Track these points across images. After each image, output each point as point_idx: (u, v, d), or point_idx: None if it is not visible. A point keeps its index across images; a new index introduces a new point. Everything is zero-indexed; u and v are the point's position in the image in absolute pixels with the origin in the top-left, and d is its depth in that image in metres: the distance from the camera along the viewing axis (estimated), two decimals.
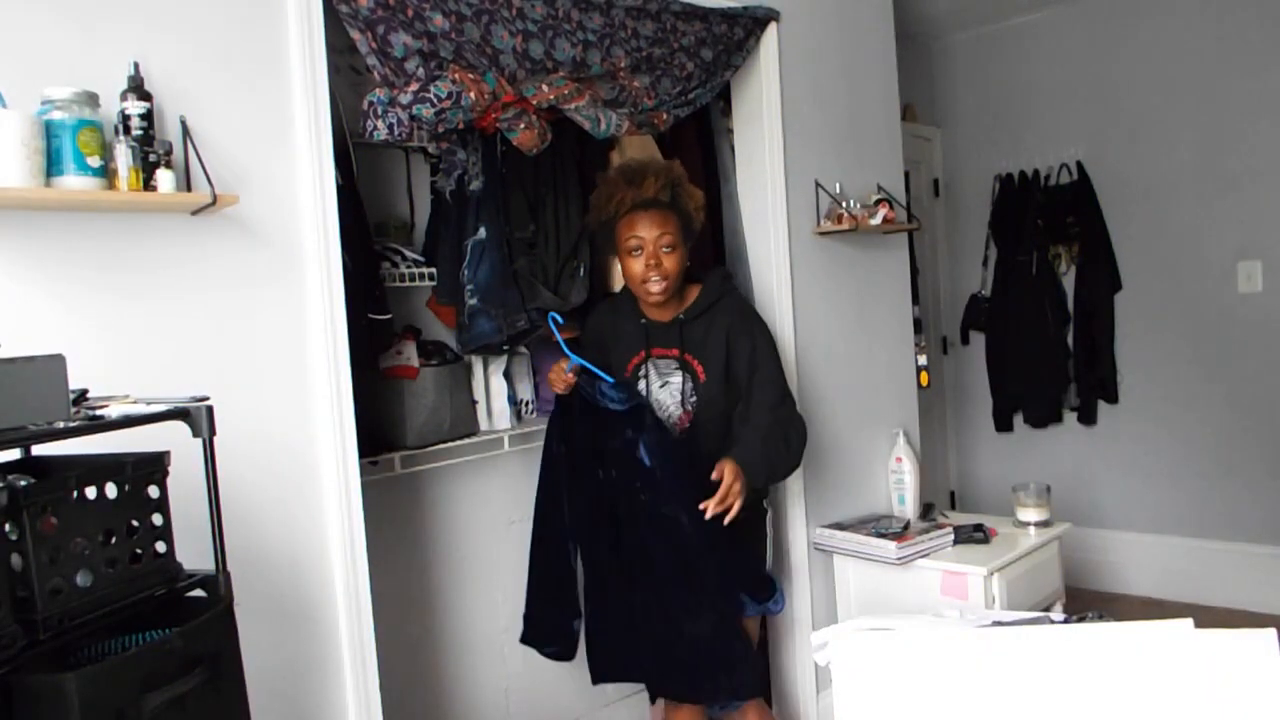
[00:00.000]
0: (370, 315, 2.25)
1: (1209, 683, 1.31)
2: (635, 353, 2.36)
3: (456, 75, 2.04)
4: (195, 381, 1.68)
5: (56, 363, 1.22)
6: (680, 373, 2.32)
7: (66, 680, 1.10)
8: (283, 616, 1.88)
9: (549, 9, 2.29)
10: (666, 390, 2.33)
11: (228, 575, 1.38)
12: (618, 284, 2.77)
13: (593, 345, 2.44)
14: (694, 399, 2.31)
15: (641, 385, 2.33)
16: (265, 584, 1.84)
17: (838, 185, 3.11)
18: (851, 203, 3.09)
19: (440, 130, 2.07)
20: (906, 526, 2.92)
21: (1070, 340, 4.35)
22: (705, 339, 2.32)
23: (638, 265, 2.24)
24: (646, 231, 2.22)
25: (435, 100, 2.00)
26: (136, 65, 1.65)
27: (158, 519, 1.32)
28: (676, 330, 2.32)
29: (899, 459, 3.22)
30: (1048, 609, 2.83)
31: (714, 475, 2.12)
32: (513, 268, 2.49)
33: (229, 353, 1.82)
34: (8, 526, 1.13)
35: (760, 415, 2.29)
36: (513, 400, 2.71)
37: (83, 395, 1.35)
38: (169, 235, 1.74)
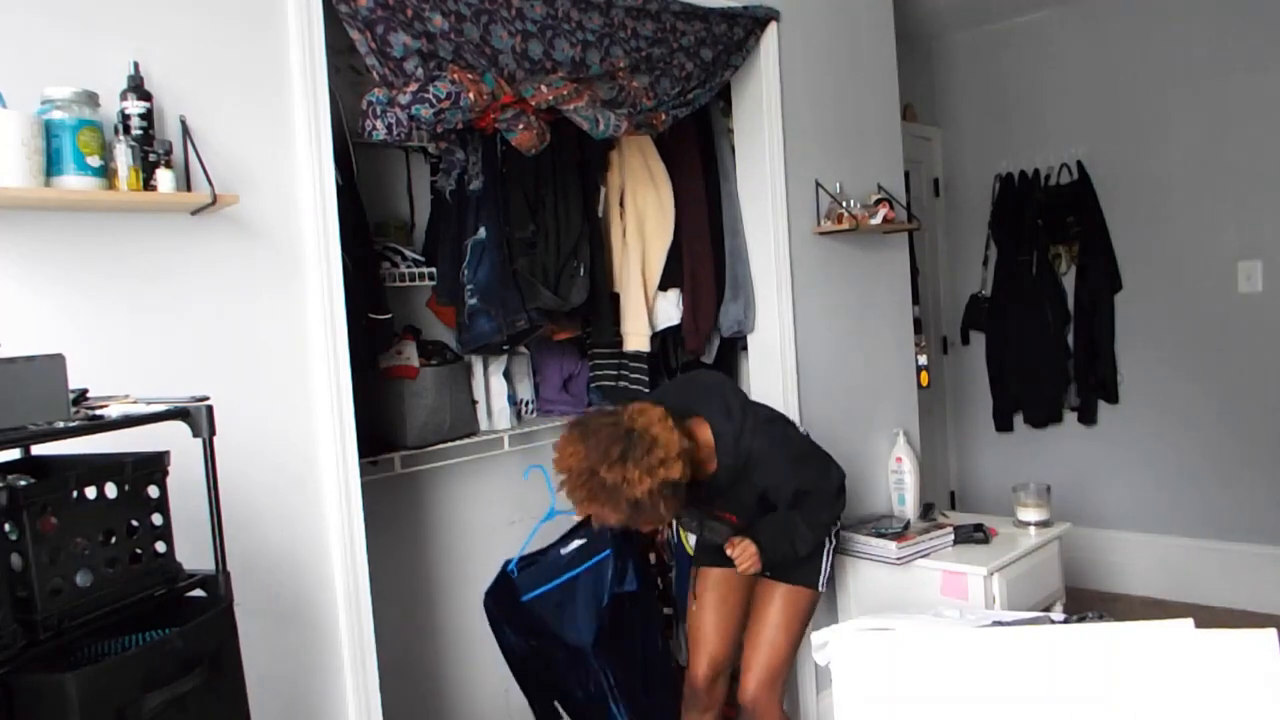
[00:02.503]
0: (370, 315, 2.24)
1: (1209, 683, 1.31)
2: None
3: (455, 75, 2.04)
4: (195, 381, 1.68)
5: (56, 362, 1.22)
6: (710, 520, 2.22)
7: (66, 680, 1.10)
8: (283, 616, 1.88)
9: (548, 9, 2.29)
10: (700, 530, 2.25)
11: (228, 575, 1.38)
12: (618, 285, 2.77)
13: None
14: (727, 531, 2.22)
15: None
16: (265, 584, 1.84)
17: (838, 185, 3.11)
18: (851, 203, 3.09)
19: (439, 130, 2.07)
20: (906, 526, 2.92)
21: (1070, 340, 4.35)
22: (734, 496, 2.21)
23: None
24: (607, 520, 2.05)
25: (434, 100, 2.00)
26: (136, 65, 1.65)
27: (157, 519, 1.32)
28: (703, 495, 2.18)
29: (899, 459, 3.22)
30: (1048, 609, 2.83)
31: (735, 541, 2.12)
32: (513, 268, 2.49)
33: (229, 353, 1.82)
34: (8, 526, 1.13)
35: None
36: (513, 400, 2.71)
37: (82, 395, 1.35)
38: (169, 235, 1.74)
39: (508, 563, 2.39)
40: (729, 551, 2.16)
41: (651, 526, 2.18)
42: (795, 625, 2.35)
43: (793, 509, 2.20)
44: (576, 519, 2.40)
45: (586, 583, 2.40)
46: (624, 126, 2.40)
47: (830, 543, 2.38)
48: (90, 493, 1.23)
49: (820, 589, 2.37)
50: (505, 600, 2.41)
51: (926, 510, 3.18)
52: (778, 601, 2.33)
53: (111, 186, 1.58)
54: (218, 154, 1.78)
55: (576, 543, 2.42)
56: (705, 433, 2.13)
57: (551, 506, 2.42)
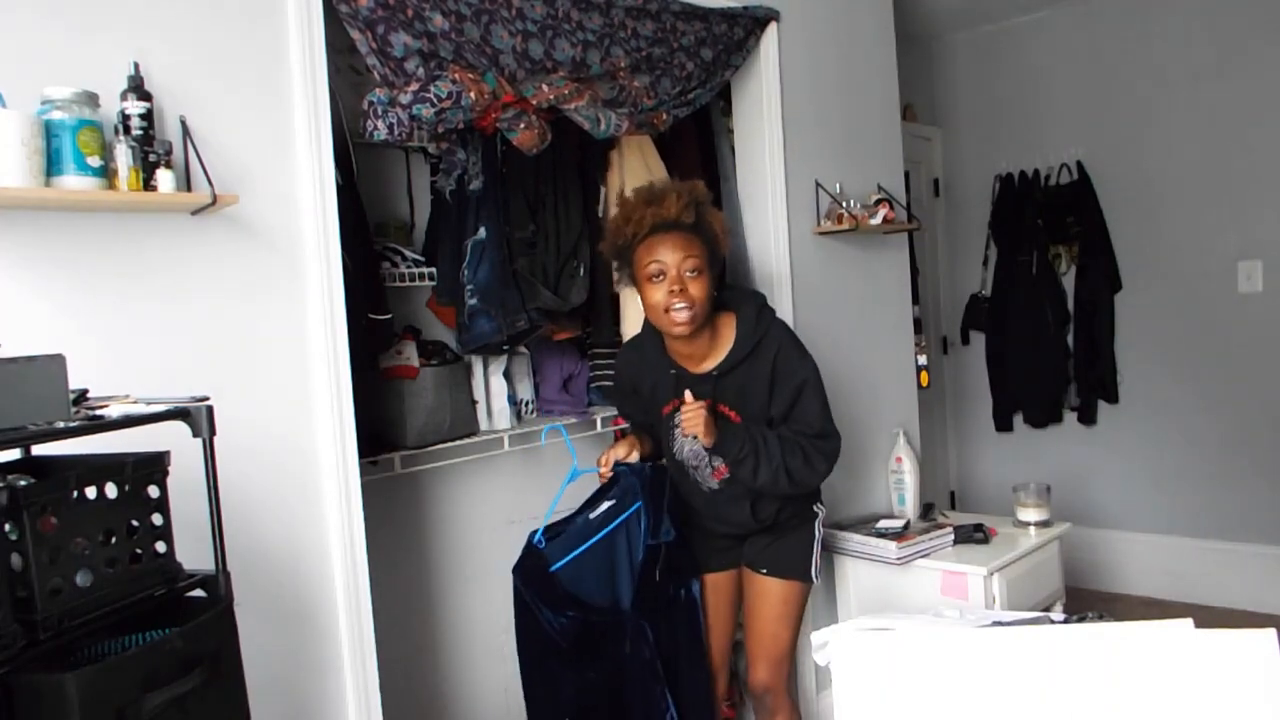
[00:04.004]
0: (370, 315, 2.24)
1: (1209, 683, 1.31)
2: (667, 401, 2.24)
3: (456, 75, 2.04)
4: (195, 381, 1.68)
5: (56, 362, 1.22)
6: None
7: (66, 680, 1.10)
8: (283, 616, 1.88)
9: (549, 9, 2.29)
10: (700, 441, 2.17)
11: (228, 575, 1.38)
12: (616, 285, 2.76)
13: (626, 393, 2.38)
14: None
15: (676, 433, 2.24)
16: (265, 584, 1.84)
17: (838, 185, 3.11)
18: (851, 203, 3.09)
19: (440, 130, 2.07)
20: (906, 526, 2.92)
21: (1070, 340, 4.35)
22: (743, 388, 2.16)
23: (659, 293, 2.05)
24: (669, 255, 2.04)
25: (435, 100, 2.00)
26: (136, 65, 1.65)
27: (158, 519, 1.32)
28: (710, 384, 2.16)
29: (899, 459, 3.22)
30: (1048, 609, 2.83)
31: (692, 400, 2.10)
32: (513, 268, 2.49)
33: (229, 353, 1.82)
34: (8, 526, 1.13)
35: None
36: (513, 400, 2.71)
37: (83, 395, 1.35)
38: (169, 235, 1.74)
39: (533, 535, 2.25)
40: (683, 409, 2.09)
41: (696, 311, 2.06)
42: (792, 616, 2.36)
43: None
44: (600, 480, 2.28)
45: (620, 539, 2.27)
46: (625, 126, 2.40)
47: (818, 533, 2.37)
48: (90, 493, 1.23)
49: (813, 580, 2.37)
50: (535, 576, 2.23)
51: (926, 510, 3.18)
52: (771, 597, 2.33)
53: (111, 186, 1.58)
54: (218, 154, 1.78)
55: (605, 505, 2.27)
56: (729, 318, 2.19)
57: (574, 467, 2.33)
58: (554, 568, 2.24)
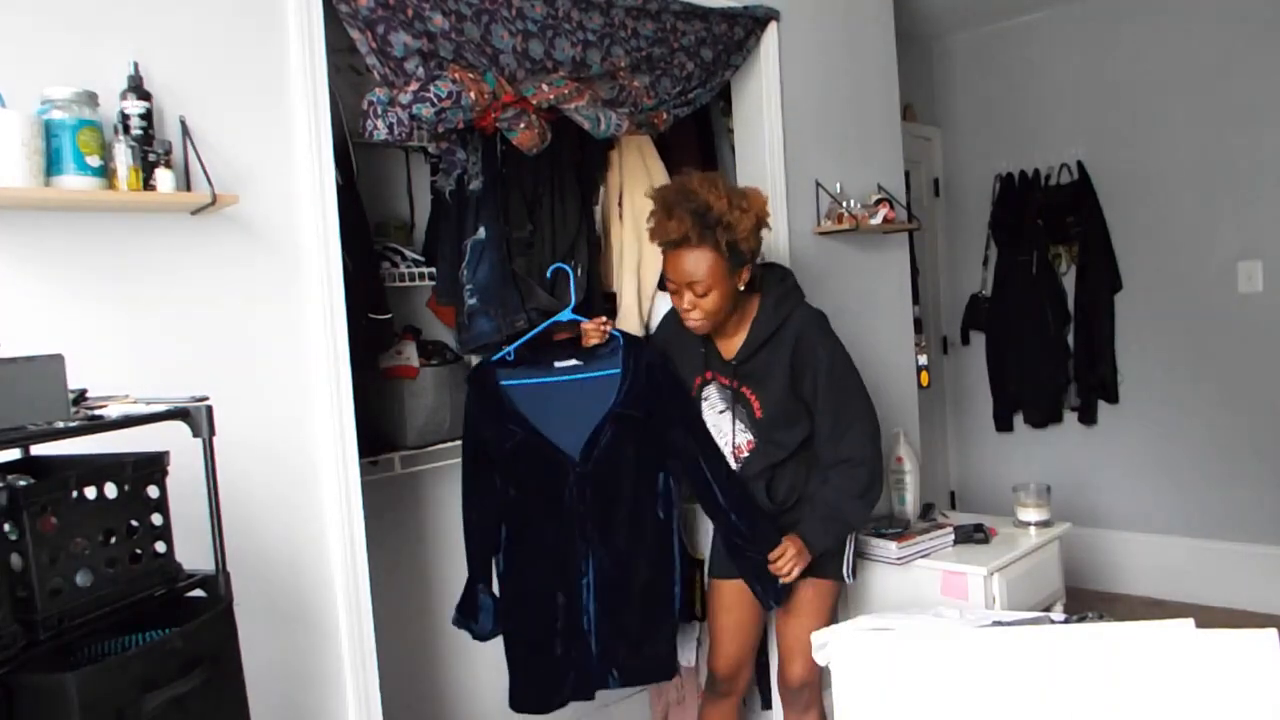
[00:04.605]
0: (370, 315, 2.24)
1: (1209, 683, 1.31)
2: (699, 372, 2.31)
3: (456, 75, 2.05)
4: (194, 381, 1.68)
5: (56, 362, 1.22)
6: (736, 405, 2.26)
7: (66, 680, 1.10)
8: (282, 617, 1.88)
9: (549, 9, 2.29)
10: (724, 418, 2.28)
11: (227, 575, 1.38)
12: (615, 285, 2.76)
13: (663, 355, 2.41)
14: (747, 435, 2.26)
15: (703, 407, 2.30)
16: (265, 584, 1.84)
17: (838, 185, 3.11)
18: (851, 203, 3.09)
19: (440, 130, 2.07)
20: (906, 526, 2.92)
21: (1070, 340, 4.35)
22: (762, 375, 2.23)
23: (678, 300, 2.18)
24: (677, 275, 2.13)
25: (435, 100, 2.00)
26: (136, 65, 1.65)
27: (157, 519, 1.32)
28: (731, 370, 2.26)
29: (899, 459, 3.21)
30: (1048, 609, 2.82)
31: (775, 552, 2.18)
32: (511, 268, 2.49)
33: (229, 352, 1.82)
34: (8, 526, 1.13)
35: (826, 453, 2.24)
36: None
37: (82, 395, 1.35)
38: (169, 235, 1.74)
39: (490, 356, 2.26)
40: (773, 565, 2.18)
41: (706, 321, 2.15)
42: (825, 616, 2.37)
43: (824, 452, 2.23)
44: (589, 339, 2.26)
45: (584, 391, 2.24)
46: (625, 126, 2.40)
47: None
48: (90, 493, 1.23)
49: (846, 579, 2.39)
50: (483, 384, 2.23)
51: (926, 510, 3.17)
52: (805, 595, 2.33)
53: (111, 186, 1.58)
54: (218, 154, 1.78)
55: (571, 361, 2.26)
56: (756, 301, 2.25)
57: (569, 309, 2.30)
58: (503, 382, 2.25)
